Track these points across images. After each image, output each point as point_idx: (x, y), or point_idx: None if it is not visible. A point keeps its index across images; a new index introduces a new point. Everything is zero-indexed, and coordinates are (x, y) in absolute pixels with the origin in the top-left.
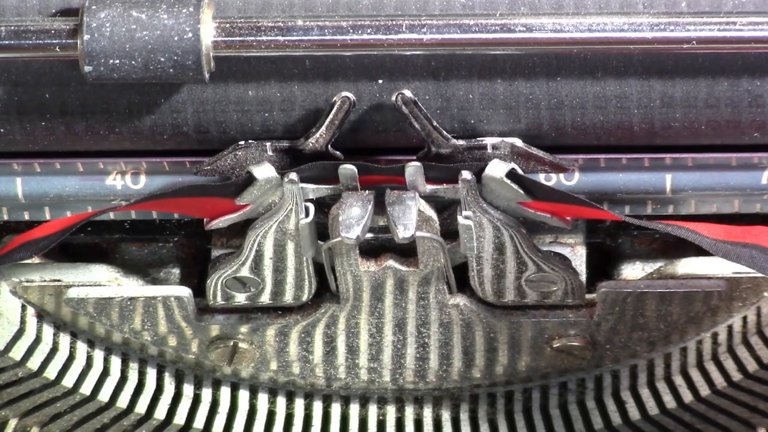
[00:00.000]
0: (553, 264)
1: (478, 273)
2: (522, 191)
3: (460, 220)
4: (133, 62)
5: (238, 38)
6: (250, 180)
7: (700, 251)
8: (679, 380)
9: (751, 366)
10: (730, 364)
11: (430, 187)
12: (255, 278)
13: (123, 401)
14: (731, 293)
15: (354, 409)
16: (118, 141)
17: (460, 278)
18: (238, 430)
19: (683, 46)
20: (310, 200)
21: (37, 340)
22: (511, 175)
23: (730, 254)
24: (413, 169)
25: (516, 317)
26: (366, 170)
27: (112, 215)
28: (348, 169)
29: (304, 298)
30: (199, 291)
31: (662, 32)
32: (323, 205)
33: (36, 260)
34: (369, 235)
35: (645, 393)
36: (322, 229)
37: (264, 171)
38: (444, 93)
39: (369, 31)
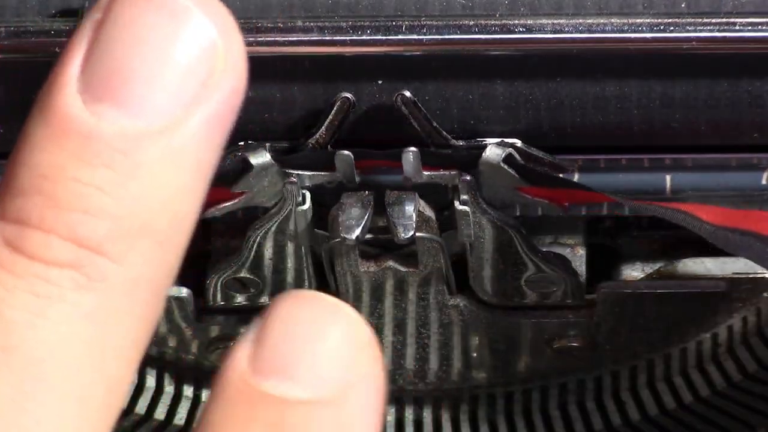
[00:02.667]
0: (553, 265)
1: (477, 273)
2: (519, 177)
3: (457, 206)
4: None
5: None
6: (246, 167)
7: (699, 252)
8: (679, 381)
9: (752, 367)
10: (730, 365)
11: (426, 173)
12: (255, 279)
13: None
14: (731, 294)
15: None
16: None
17: (460, 279)
18: None
19: (683, 47)
20: (307, 188)
21: None
22: (508, 160)
23: (728, 242)
24: (411, 154)
25: (516, 318)
26: (362, 156)
27: None
28: (344, 155)
29: None
30: (199, 291)
31: (662, 32)
32: (323, 206)
33: None
34: (368, 236)
35: (645, 394)
36: (321, 230)
37: (259, 157)
38: (443, 94)
39: (368, 32)
